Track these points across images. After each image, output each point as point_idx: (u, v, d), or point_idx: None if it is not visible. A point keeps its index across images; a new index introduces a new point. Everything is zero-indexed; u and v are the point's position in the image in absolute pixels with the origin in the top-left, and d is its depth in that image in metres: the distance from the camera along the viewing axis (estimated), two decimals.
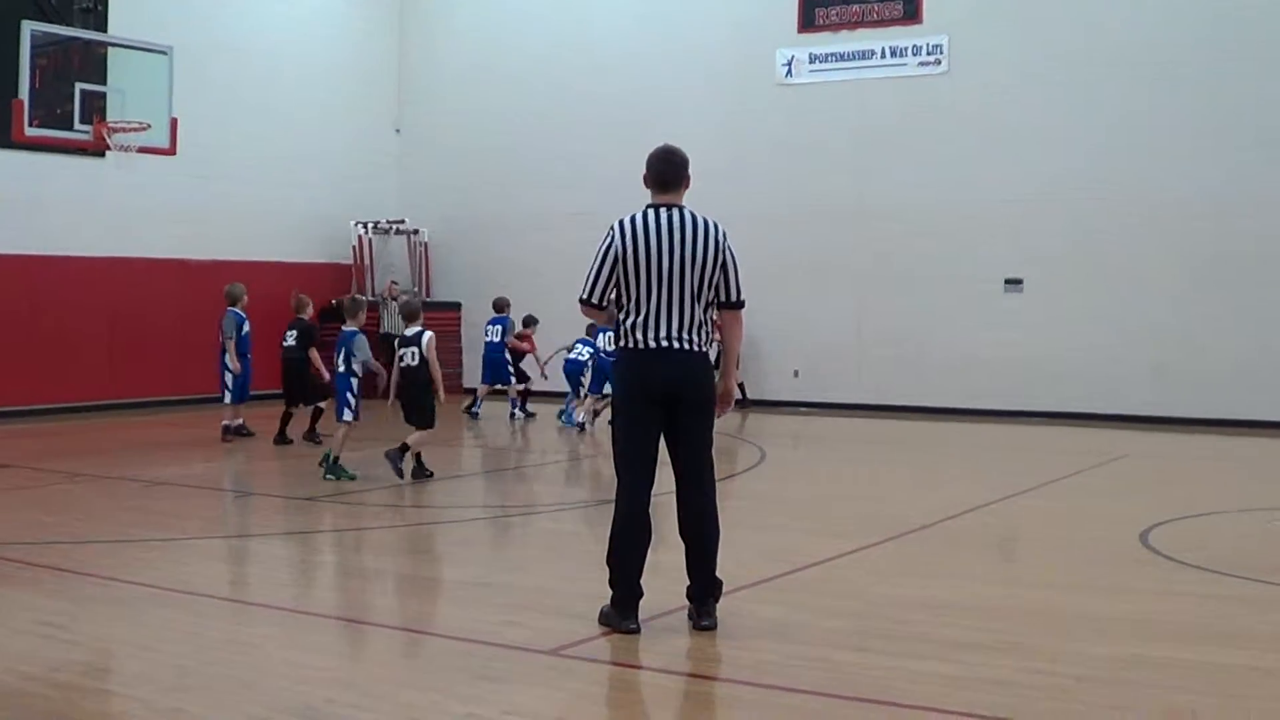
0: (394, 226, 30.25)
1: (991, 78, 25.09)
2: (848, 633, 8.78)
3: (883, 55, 26.23)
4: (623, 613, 8.70)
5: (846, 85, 26.50)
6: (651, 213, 8.87)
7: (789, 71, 27.08)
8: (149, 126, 21.15)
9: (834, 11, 26.68)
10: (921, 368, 24.29)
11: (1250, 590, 10.19)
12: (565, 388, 22.94)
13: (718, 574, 8.93)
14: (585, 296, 8.90)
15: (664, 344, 8.65)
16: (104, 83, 21.43)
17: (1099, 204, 23.97)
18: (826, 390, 26.15)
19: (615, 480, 9.03)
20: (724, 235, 8.98)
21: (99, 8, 24.07)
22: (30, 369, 23.59)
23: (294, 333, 19.87)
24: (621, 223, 8.87)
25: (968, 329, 24.72)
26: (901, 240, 25.55)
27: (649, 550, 8.96)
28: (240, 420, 20.44)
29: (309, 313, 20.33)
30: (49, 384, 23.96)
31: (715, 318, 8.96)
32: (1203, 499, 14.99)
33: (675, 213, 8.85)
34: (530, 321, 24.40)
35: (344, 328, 16.74)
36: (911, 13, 25.99)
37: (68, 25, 22.50)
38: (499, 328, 24.01)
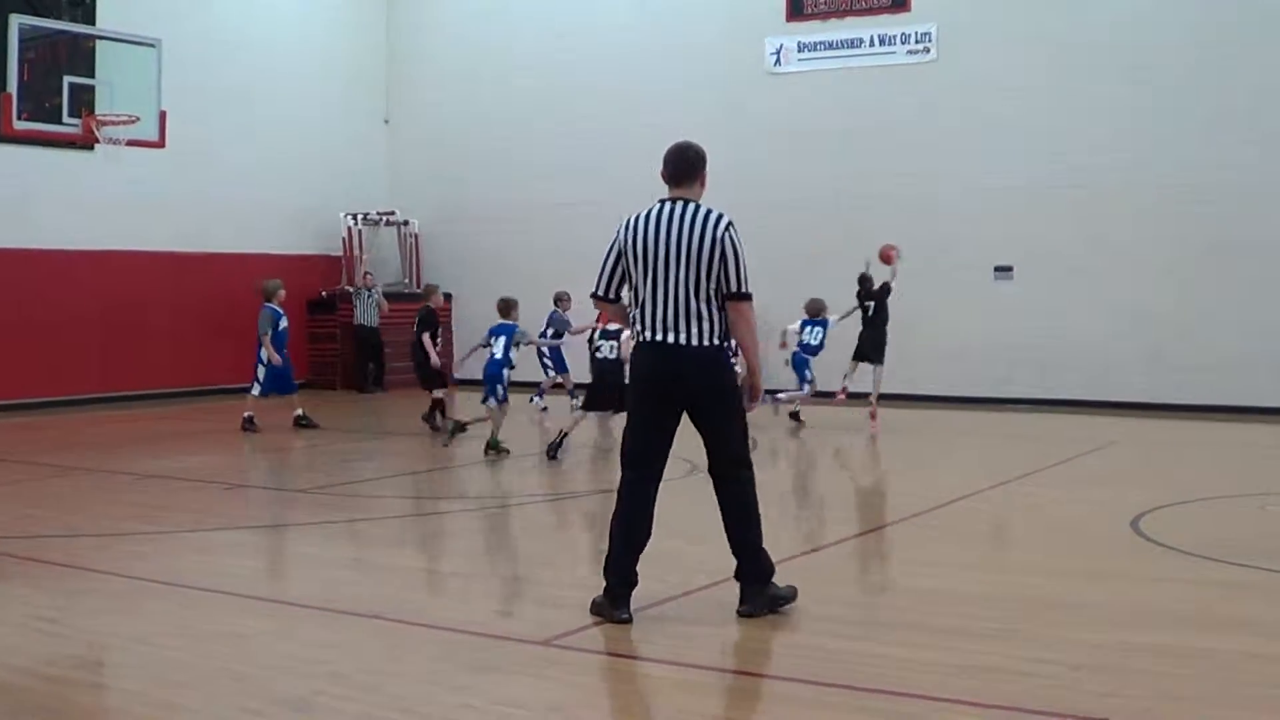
0: (384, 218, 30.22)
1: (980, 65, 25.07)
2: (841, 621, 8.78)
3: (871, 44, 26.23)
4: (614, 603, 8.68)
5: (835, 74, 26.48)
6: (656, 207, 8.96)
7: (778, 60, 27.07)
8: (138, 119, 21.10)
9: (822, 0, 26.65)
10: (912, 355, 24.23)
11: (1243, 576, 10.19)
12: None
13: (765, 561, 8.96)
14: (594, 290, 9.10)
15: (662, 338, 8.69)
16: (92, 76, 21.36)
17: (1089, 191, 23.97)
18: (818, 379, 26.10)
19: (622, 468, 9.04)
20: (724, 226, 8.90)
21: (87, 1, 24.03)
22: (20, 363, 23.54)
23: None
24: (628, 218, 9.02)
25: (958, 317, 24.72)
26: (890, 228, 25.45)
27: (647, 542, 8.92)
28: (299, 410, 20.72)
29: (437, 300, 21.37)
30: (39, 378, 23.91)
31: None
32: (1195, 485, 15.00)
33: (677, 206, 8.92)
34: (562, 297, 23.46)
35: (502, 320, 18.13)
36: (900, 1, 25.96)
37: (56, 19, 22.47)
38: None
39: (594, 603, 8.82)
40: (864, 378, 20.99)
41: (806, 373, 21.23)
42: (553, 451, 17.13)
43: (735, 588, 9.00)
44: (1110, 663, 7.81)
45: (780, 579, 9.06)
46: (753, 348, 8.91)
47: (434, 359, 20.03)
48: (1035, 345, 24.08)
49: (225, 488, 14.97)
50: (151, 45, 21.67)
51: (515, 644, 8.18)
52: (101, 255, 24.90)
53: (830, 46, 26.60)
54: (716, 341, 8.72)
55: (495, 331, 17.99)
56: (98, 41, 21.93)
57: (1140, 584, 9.91)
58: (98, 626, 8.79)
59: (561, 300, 22.95)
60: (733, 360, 9.18)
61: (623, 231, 8.97)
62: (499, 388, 17.63)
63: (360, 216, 29.68)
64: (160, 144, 21.92)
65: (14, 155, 23.06)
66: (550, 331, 22.39)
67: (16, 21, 20.23)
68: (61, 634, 8.54)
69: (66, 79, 20.80)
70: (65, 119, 20.75)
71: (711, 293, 8.69)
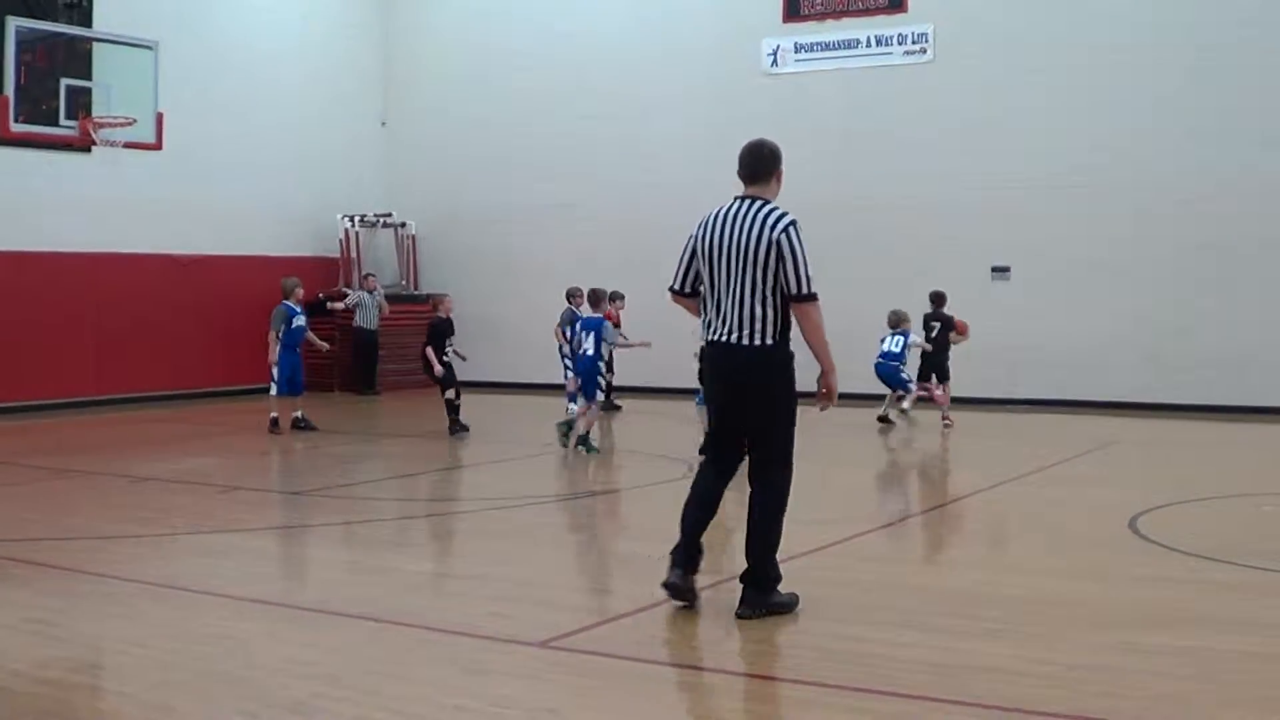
0: (381, 219, 30.21)
1: (977, 66, 25.09)
2: (839, 620, 8.76)
3: (868, 44, 26.24)
4: (670, 564, 8.91)
5: (832, 75, 26.50)
6: (728, 205, 9.05)
7: (774, 61, 27.08)
8: (134, 122, 21.08)
9: (819, 1, 26.67)
10: (910, 357, 24.22)
11: (1239, 576, 10.20)
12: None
13: (777, 568, 9.05)
14: (671, 285, 9.28)
15: (720, 337, 8.83)
16: (89, 78, 21.34)
17: (1086, 191, 23.98)
18: (815, 380, 26.08)
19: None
20: (780, 227, 8.86)
21: (84, 3, 24.02)
22: (16, 365, 23.49)
23: None
24: (706, 214, 9.15)
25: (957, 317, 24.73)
26: (887, 229, 25.54)
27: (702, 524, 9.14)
28: (298, 412, 20.64)
29: (446, 309, 20.81)
30: (35, 380, 23.87)
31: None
32: (1193, 485, 15.01)
33: (744, 204, 9.00)
34: (616, 296, 23.26)
35: (589, 314, 18.47)
36: (896, 2, 25.98)
37: (52, 21, 22.44)
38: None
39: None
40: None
41: (902, 376, 21.29)
42: (574, 442, 17.84)
43: (730, 589, 8.99)
44: (1108, 662, 7.80)
45: (783, 579, 9.05)
46: (821, 348, 8.92)
47: (436, 368, 19.84)
48: (1034, 346, 24.09)
49: (222, 490, 14.95)
50: (148, 47, 21.65)
51: (512, 646, 8.17)
52: (98, 257, 24.87)
53: (827, 47, 26.61)
54: (770, 341, 8.76)
55: (585, 325, 18.19)
56: (94, 44, 21.91)
57: (1138, 584, 9.90)
58: (94, 629, 8.77)
59: (575, 296, 22.70)
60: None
61: (697, 228, 9.10)
62: (593, 385, 18.07)
63: (357, 218, 29.67)
64: (157, 146, 21.90)
65: (11, 157, 23.03)
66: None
67: (13, 23, 20.21)
68: (58, 637, 8.52)
69: (63, 81, 20.78)
70: (62, 121, 20.73)
71: (769, 293, 8.71)
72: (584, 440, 17.81)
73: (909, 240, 25.32)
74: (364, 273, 28.74)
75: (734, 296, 8.74)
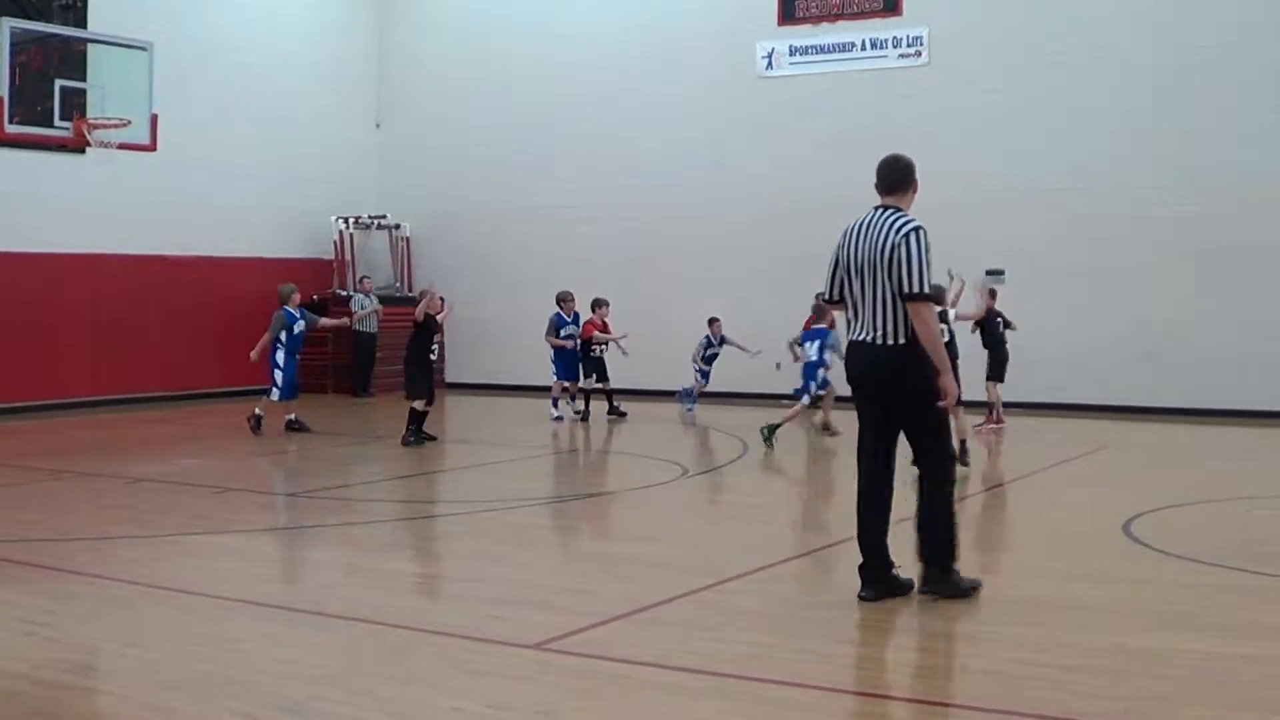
0: (375, 221, 30.21)
1: (972, 69, 25.11)
2: (833, 624, 8.78)
3: (863, 47, 26.26)
4: (861, 580, 9.28)
5: (827, 78, 26.51)
6: (866, 215, 9.61)
7: (769, 64, 27.09)
8: (129, 123, 21.05)
9: (814, 4, 26.68)
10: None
11: (1233, 579, 10.21)
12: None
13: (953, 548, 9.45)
14: (823, 294, 9.92)
15: (859, 338, 9.35)
16: (84, 79, 21.31)
17: (1080, 194, 24.00)
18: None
19: None
20: (903, 231, 9.32)
21: (79, 4, 24.03)
22: (11, 366, 23.48)
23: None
24: (847, 225, 9.70)
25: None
26: None
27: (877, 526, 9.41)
28: (292, 414, 20.63)
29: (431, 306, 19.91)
30: (30, 381, 23.86)
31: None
32: (1188, 489, 15.02)
33: (878, 213, 9.52)
34: (601, 303, 23.62)
35: (815, 325, 19.58)
36: (891, 5, 26.00)
37: (47, 22, 22.44)
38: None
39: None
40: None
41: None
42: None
43: (725, 591, 9.00)
44: (1102, 665, 7.82)
45: (770, 584, 9.07)
46: (933, 346, 9.18)
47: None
48: (1030, 348, 24.01)
49: (217, 491, 14.94)
50: (143, 49, 21.62)
51: (508, 648, 8.18)
52: (93, 258, 24.86)
53: (822, 50, 26.63)
54: (903, 341, 9.16)
55: (809, 336, 19.56)
56: (89, 45, 21.88)
57: (1132, 587, 9.92)
58: (90, 631, 8.79)
59: (565, 301, 22.93)
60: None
61: (840, 238, 9.64)
62: (812, 384, 18.96)
63: (352, 220, 29.66)
64: (152, 147, 21.87)
65: (5, 159, 23.01)
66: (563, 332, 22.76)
67: (7, 24, 20.18)
68: (53, 638, 8.53)
69: (58, 82, 20.74)
70: (57, 122, 20.68)
71: (897, 294, 9.13)
72: (772, 432, 18.53)
73: None
74: (360, 275, 28.74)
75: (869, 300, 9.23)
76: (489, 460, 17.93)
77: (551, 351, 23.10)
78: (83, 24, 23.70)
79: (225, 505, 14.20)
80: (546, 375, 22.67)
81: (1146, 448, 19.35)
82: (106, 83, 21.28)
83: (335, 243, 29.51)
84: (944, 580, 9.28)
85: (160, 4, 25.64)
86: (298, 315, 20.52)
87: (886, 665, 7.76)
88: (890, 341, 9.14)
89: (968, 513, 13.76)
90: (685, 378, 26.49)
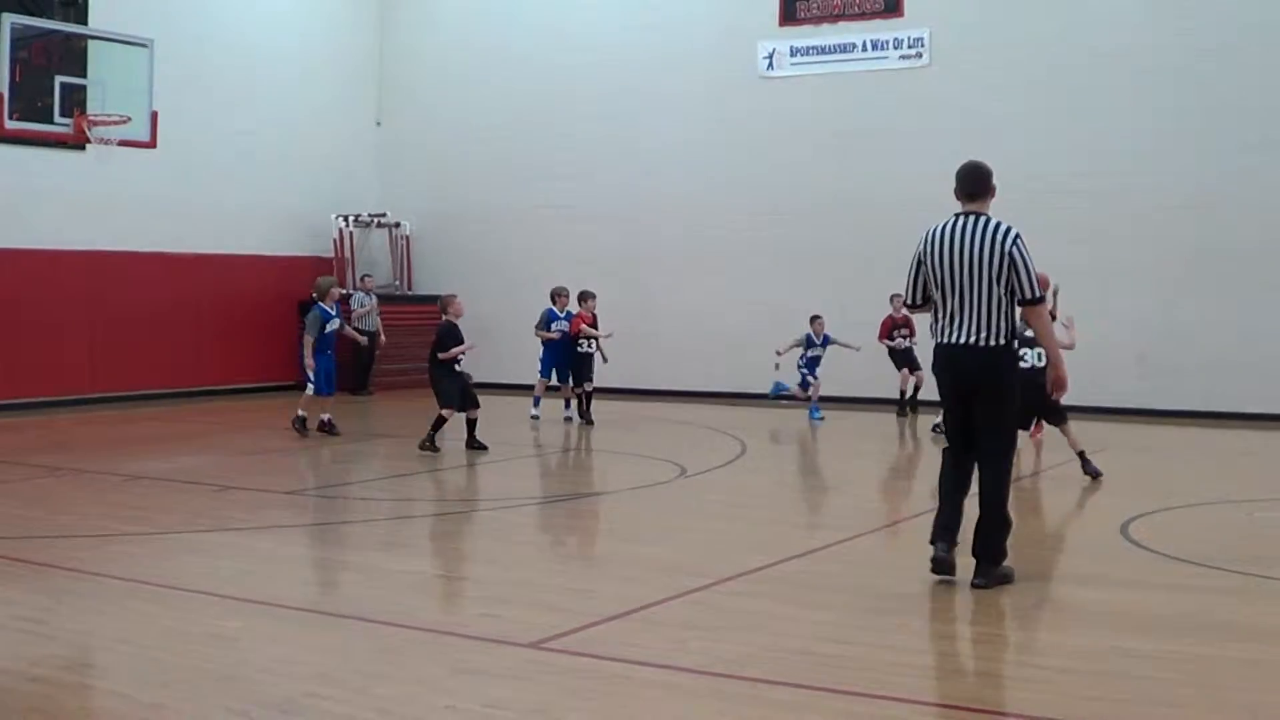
0: (375, 219, 30.21)
1: (972, 71, 25.11)
2: (830, 624, 8.78)
3: (864, 48, 26.26)
4: (932, 536, 9.94)
5: (828, 78, 26.51)
6: (952, 221, 9.96)
7: (770, 65, 27.09)
8: (129, 120, 21.06)
9: (815, 5, 26.69)
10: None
11: (1229, 582, 10.21)
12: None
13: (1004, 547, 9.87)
14: (904, 299, 10.36)
15: (956, 339, 9.68)
16: (84, 76, 21.32)
17: (1080, 196, 23.98)
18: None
19: None
20: (1011, 239, 9.75)
21: (79, 1, 24.00)
22: (10, 362, 23.46)
23: None
24: (929, 231, 10.05)
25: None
26: (883, 232, 25.51)
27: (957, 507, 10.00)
28: (326, 415, 20.15)
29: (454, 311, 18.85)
30: (29, 378, 23.84)
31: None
32: (1184, 491, 15.03)
33: (970, 220, 9.87)
34: (588, 295, 22.73)
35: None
36: (892, 6, 26.00)
37: (48, 18, 22.42)
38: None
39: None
40: None
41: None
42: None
43: (722, 592, 8.99)
44: (1097, 667, 7.82)
45: (767, 585, 9.07)
46: (1051, 344, 10.12)
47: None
48: None
49: (215, 489, 14.94)
50: (143, 45, 21.63)
51: (503, 646, 8.18)
52: (92, 255, 24.85)
53: (823, 51, 26.63)
54: (1000, 342, 9.65)
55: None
56: (89, 41, 21.88)
57: (1129, 589, 9.92)
58: (85, 627, 8.78)
59: (559, 296, 22.57)
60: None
61: (923, 245, 9.97)
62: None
63: (352, 218, 29.65)
64: (152, 144, 21.88)
65: (5, 155, 22.99)
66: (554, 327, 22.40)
67: (8, 21, 20.17)
68: (50, 635, 8.53)
69: (58, 79, 20.75)
70: (57, 119, 20.69)
71: (1002, 298, 9.61)
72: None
73: (904, 244, 25.25)
74: (361, 274, 28.72)
75: (973, 304, 9.61)
76: (487, 459, 17.92)
77: (541, 348, 22.74)
78: (83, 20, 23.68)
79: (223, 503, 14.19)
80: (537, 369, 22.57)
81: (1142, 450, 19.34)
82: (107, 79, 21.28)
83: (335, 241, 29.49)
84: (994, 572, 9.72)
85: (161, 1, 25.62)
86: (333, 312, 20.09)
87: (884, 666, 7.75)
88: (994, 343, 9.59)
89: (966, 514, 13.78)
90: (683, 376, 26.54)
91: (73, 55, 21.43)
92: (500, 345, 27.16)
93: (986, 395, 9.70)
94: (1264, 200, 22.84)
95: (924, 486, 16.09)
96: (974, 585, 9.59)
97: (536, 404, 22.70)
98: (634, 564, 10.59)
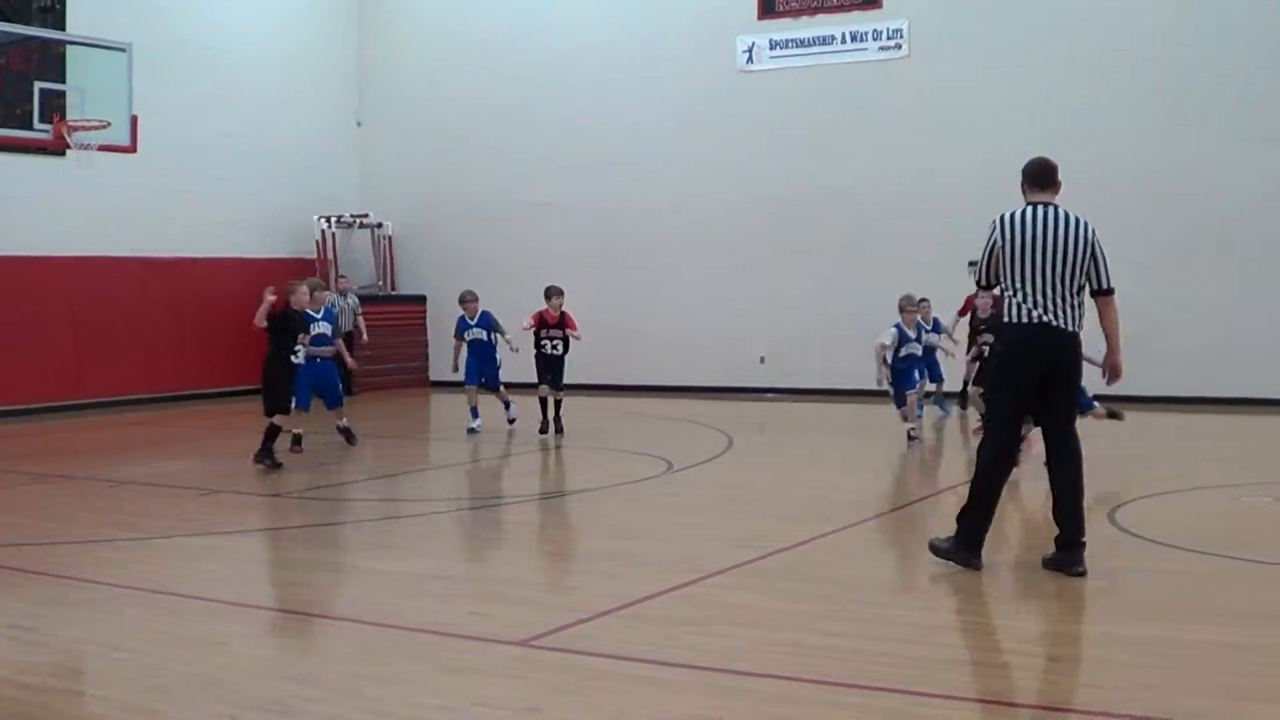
0: (357, 220, 30.18)
1: (952, 62, 25.15)
2: (818, 617, 8.79)
3: (843, 40, 26.28)
4: (976, 550, 10.02)
5: (807, 71, 26.53)
6: (1030, 210, 10.10)
7: (750, 58, 27.10)
8: (109, 125, 21.00)
9: None
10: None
11: (1218, 566, 10.24)
12: None
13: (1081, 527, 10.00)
14: (978, 280, 10.52)
15: (1035, 320, 9.88)
16: (63, 81, 21.28)
17: (1064, 185, 23.98)
18: (793, 376, 26.19)
19: (988, 434, 10.31)
20: (1093, 231, 10.17)
21: (57, 6, 23.96)
22: None
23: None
24: (1002, 217, 10.14)
25: (933, 312, 24.76)
26: (865, 225, 25.61)
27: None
28: (299, 430, 18.51)
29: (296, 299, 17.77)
30: (13, 384, 23.76)
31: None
32: (1171, 476, 15.07)
33: (1049, 210, 10.09)
34: (556, 292, 20.36)
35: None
36: None
37: (26, 24, 22.37)
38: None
39: (938, 547, 10.22)
40: None
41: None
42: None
43: (710, 585, 8.99)
44: (1088, 654, 7.85)
45: (755, 578, 9.11)
46: (1117, 334, 10.40)
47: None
48: None
49: (202, 493, 14.92)
50: (122, 50, 21.55)
51: (493, 645, 8.18)
52: (74, 261, 24.78)
53: (802, 44, 26.64)
54: (1079, 328, 10.07)
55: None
56: (68, 46, 21.84)
57: (1117, 575, 9.93)
58: (75, 634, 8.77)
59: (466, 302, 20.97)
60: None
61: (1001, 231, 10.05)
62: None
63: (333, 219, 29.62)
64: (132, 149, 21.83)
65: None
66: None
67: None
68: (39, 641, 8.52)
69: (37, 84, 20.70)
70: (36, 125, 20.64)
71: (1081, 286, 10.02)
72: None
73: (884, 236, 25.38)
74: (337, 274, 28.67)
75: (1056, 288, 9.89)
76: (472, 457, 17.91)
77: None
78: (61, 26, 23.64)
79: (210, 507, 14.18)
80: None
81: (1130, 436, 19.35)
82: (86, 84, 21.23)
83: (317, 242, 29.45)
84: (1078, 555, 9.86)
85: (139, 5, 25.58)
86: (317, 315, 18.45)
87: (873, 657, 7.75)
88: (1073, 328, 9.97)
89: (951, 504, 13.80)
90: (668, 371, 26.55)
91: (51, 61, 21.38)
92: None
93: (1066, 378, 10.07)
94: (1245, 188, 22.90)
95: (910, 477, 16.13)
96: (1078, 574, 9.73)
97: (475, 414, 20.48)
98: (622, 560, 10.58)
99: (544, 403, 20.15)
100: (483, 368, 20.67)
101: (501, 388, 20.80)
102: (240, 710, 7.02)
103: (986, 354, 19.58)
